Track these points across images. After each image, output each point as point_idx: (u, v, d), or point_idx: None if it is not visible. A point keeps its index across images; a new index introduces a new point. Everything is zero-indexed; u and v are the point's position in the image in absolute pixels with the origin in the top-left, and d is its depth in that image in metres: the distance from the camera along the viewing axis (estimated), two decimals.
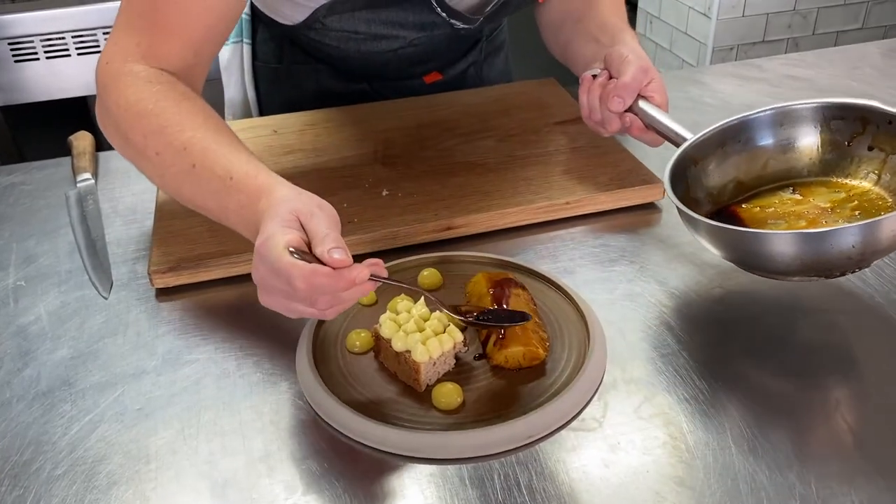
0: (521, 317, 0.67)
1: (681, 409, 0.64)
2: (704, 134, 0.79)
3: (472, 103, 1.11)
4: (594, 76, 0.89)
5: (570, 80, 1.05)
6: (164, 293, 0.80)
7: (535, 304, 0.72)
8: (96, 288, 0.81)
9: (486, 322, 0.67)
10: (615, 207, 0.89)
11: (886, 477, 0.58)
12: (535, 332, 0.68)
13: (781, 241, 0.64)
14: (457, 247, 0.84)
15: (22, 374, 0.70)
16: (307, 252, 0.60)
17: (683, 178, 0.78)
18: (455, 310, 0.68)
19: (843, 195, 0.75)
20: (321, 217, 0.62)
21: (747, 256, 0.69)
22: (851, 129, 0.75)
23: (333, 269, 0.59)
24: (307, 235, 0.62)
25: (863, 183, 0.75)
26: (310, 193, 0.66)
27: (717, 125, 0.80)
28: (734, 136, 0.80)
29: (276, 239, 0.60)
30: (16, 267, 0.85)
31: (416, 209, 0.86)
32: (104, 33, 1.66)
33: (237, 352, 0.72)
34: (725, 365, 0.69)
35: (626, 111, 0.86)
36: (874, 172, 0.74)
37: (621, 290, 0.78)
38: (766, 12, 2.45)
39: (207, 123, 0.72)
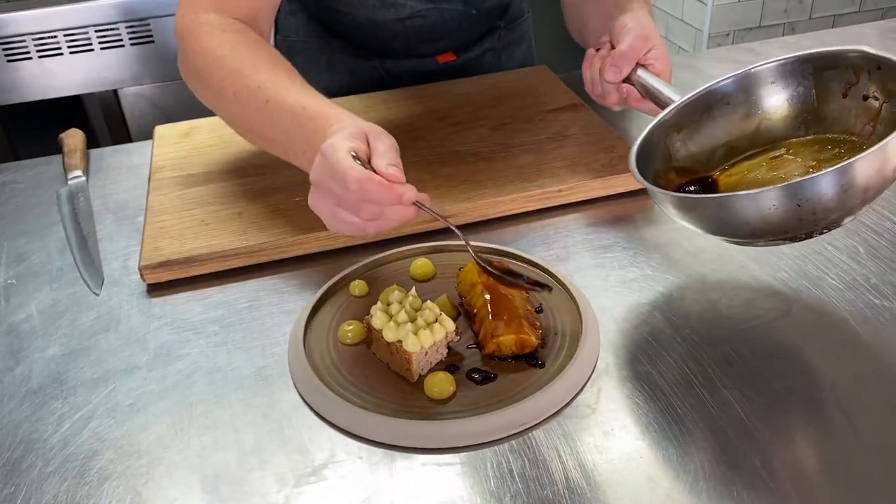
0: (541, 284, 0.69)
1: (674, 394, 0.64)
2: (687, 99, 0.76)
3: (463, 93, 1.10)
4: (598, 49, 0.88)
5: None
6: (155, 289, 0.79)
7: (527, 292, 0.72)
8: (87, 285, 0.80)
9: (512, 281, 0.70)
10: (608, 194, 0.89)
11: None
12: (527, 320, 0.67)
13: (723, 204, 0.63)
14: (449, 236, 0.84)
15: (13, 371, 0.70)
16: (367, 163, 0.66)
17: (664, 147, 0.76)
18: (483, 259, 0.71)
19: (834, 151, 0.70)
20: (385, 139, 0.68)
21: (703, 222, 0.67)
22: (845, 78, 0.70)
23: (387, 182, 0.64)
24: (370, 151, 0.67)
25: (858, 137, 0.70)
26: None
27: (701, 88, 0.76)
28: (721, 99, 0.76)
29: (342, 143, 0.65)
30: (7, 265, 0.84)
31: None
32: (96, 31, 1.66)
33: (228, 346, 0.72)
34: (719, 349, 0.68)
35: (625, 81, 0.84)
36: (870, 124, 0.69)
37: (614, 276, 0.77)
38: None
39: (278, 66, 0.79)
